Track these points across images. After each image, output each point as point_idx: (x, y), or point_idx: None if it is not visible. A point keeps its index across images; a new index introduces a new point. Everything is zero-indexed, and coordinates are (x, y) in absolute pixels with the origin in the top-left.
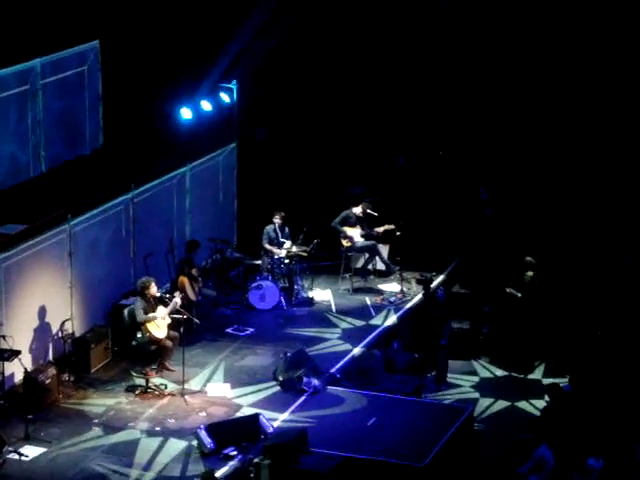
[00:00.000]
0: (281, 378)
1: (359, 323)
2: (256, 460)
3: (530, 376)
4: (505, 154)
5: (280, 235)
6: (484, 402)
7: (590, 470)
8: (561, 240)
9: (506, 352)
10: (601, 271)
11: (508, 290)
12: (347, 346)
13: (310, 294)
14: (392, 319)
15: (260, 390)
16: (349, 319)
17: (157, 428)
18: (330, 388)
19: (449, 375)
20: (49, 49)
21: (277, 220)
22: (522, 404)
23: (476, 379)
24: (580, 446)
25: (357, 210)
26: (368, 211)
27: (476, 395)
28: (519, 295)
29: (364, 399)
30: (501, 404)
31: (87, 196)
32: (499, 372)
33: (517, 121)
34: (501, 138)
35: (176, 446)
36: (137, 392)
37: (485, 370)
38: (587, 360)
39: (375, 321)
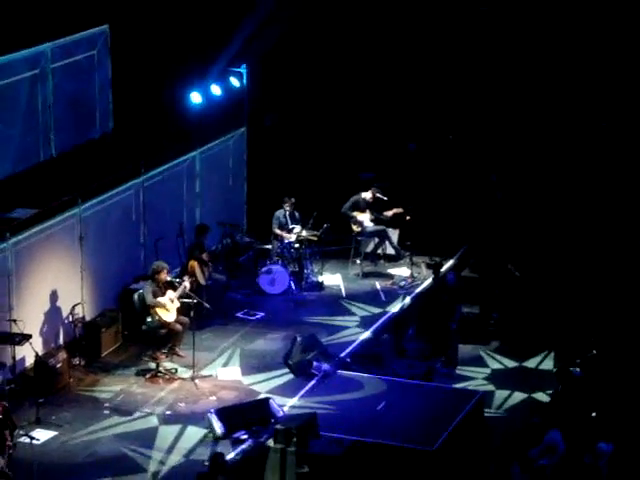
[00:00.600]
0: (291, 362)
1: (376, 310)
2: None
3: (541, 367)
4: (515, 138)
5: (290, 221)
6: (501, 394)
7: (600, 454)
8: (571, 224)
9: (515, 336)
10: (610, 256)
11: (510, 267)
12: (358, 331)
13: (320, 279)
14: (405, 302)
15: (270, 374)
16: (364, 305)
17: (168, 412)
18: (342, 372)
19: (459, 367)
20: (59, 33)
21: (287, 206)
22: (539, 395)
23: (487, 370)
24: (591, 430)
25: (367, 195)
26: (378, 195)
27: (491, 387)
28: (517, 274)
29: (382, 384)
30: (518, 396)
31: (97, 180)
32: (508, 362)
33: (527, 106)
34: (511, 122)
35: (185, 430)
36: (148, 376)
37: (494, 361)
38: (597, 344)
39: (393, 308)
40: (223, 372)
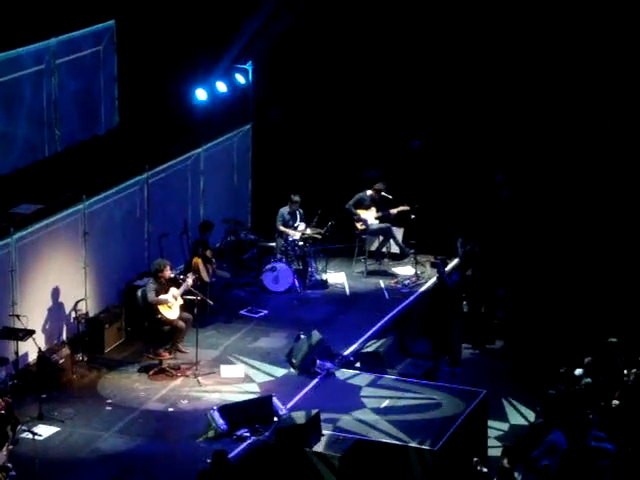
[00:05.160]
0: (294, 360)
1: None
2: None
3: None
4: (522, 136)
5: (295, 218)
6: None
7: (604, 454)
8: (577, 223)
9: (519, 336)
10: (617, 254)
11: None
12: (360, 329)
13: (324, 277)
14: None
15: (273, 372)
16: None
17: (170, 409)
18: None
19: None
20: (65, 29)
21: (292, 204)
22: None
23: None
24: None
25: (371, 192)
26: (383, 194)
27: None
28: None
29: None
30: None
31: (102, 176)
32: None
33: (533, 103)
34: (517, 120)
35: (189, 427)
36: (150, 373)
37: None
38: (601, 344)
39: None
40: (226, 369)
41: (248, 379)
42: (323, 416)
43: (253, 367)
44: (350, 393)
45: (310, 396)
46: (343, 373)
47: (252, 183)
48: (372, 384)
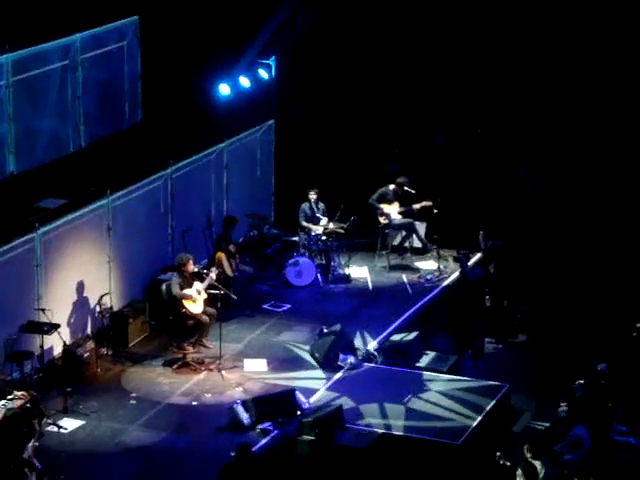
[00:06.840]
0: (317, 354)
1: None
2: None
3: None
4: (544, 131)
5: (316, 212)
6: None
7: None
8: (600, 217)
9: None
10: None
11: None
12: (383, 323)
13: (347, 271)
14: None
15: (296, 366)
16: None
17: (194, 403)
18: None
19: None
20: (89, 24)
21: (312, 197)
22: None
23: None
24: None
25: (394, 187)
26: (405, 188)
27: None
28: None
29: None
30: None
31: (126, 171)
32: None
33: (556, 97)
34: (540, 115)
35: (212, 420)
36: (174, 367)
37: None
38: (624, 340)
39: None
40: (249, 363)
41: (271, 373)
42: (347, 409)
43: (276, 361)
44: (373, 387)
45: (334, 390)
46: (366, 367)
47: (275, 178)
48: (395, 378)
